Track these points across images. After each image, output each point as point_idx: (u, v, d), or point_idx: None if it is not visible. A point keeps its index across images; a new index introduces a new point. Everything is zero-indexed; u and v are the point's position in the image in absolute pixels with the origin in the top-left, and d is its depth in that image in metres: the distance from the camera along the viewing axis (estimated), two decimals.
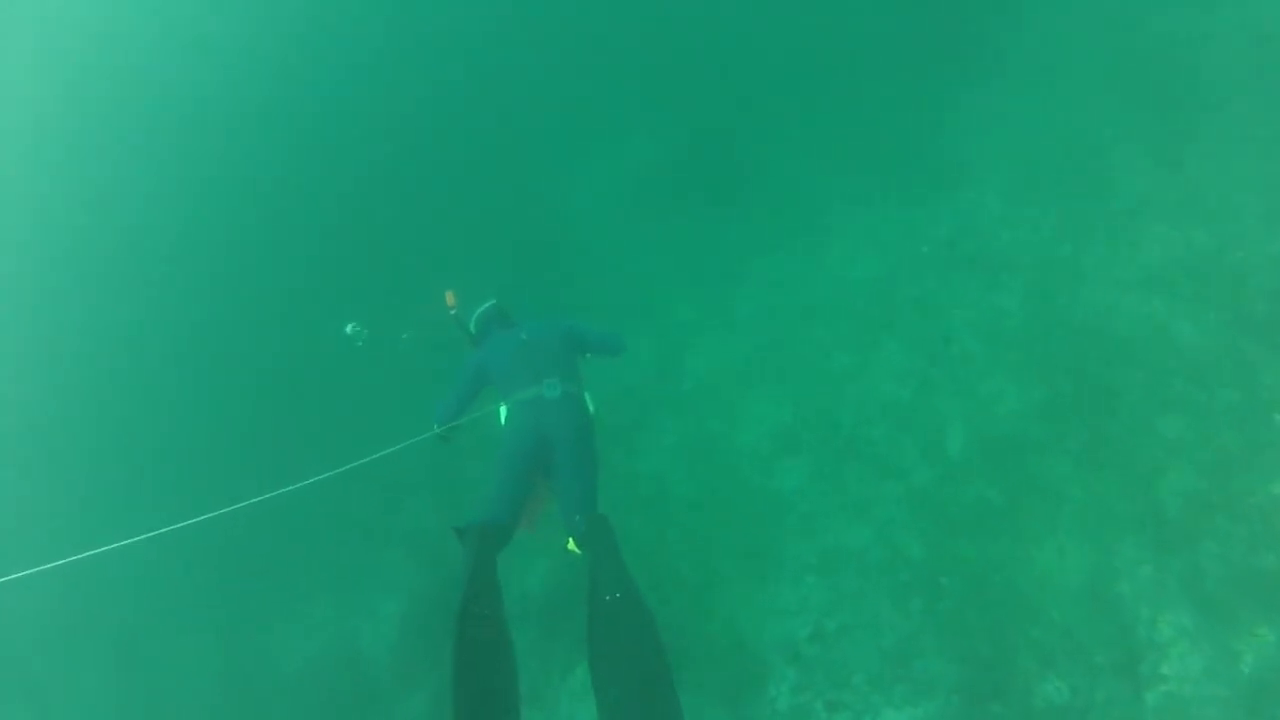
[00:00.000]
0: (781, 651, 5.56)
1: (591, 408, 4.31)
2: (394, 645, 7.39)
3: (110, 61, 13.15)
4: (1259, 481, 4.78)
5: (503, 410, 4.32)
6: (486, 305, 5.01)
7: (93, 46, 13.28)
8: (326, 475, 3.53)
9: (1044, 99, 7.89)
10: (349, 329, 4.77)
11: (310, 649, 7.55)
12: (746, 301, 7.91)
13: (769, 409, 7.01)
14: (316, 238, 9.93)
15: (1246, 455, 4.91)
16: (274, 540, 8.02)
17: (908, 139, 8.36)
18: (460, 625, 3.08)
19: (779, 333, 7.45)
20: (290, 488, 3.41)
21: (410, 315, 5.51)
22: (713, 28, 11.22)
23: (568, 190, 10.50)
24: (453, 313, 4.71)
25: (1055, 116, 7.65)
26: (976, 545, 5.46)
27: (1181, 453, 5.19)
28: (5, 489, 8.84)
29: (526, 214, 10.43)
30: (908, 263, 7.23)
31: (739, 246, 8.56)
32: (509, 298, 5.36)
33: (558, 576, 6.99)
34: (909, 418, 6.30)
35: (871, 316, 7.04)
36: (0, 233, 11.53)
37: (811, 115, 9.44)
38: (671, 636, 3.64)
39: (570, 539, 3.86)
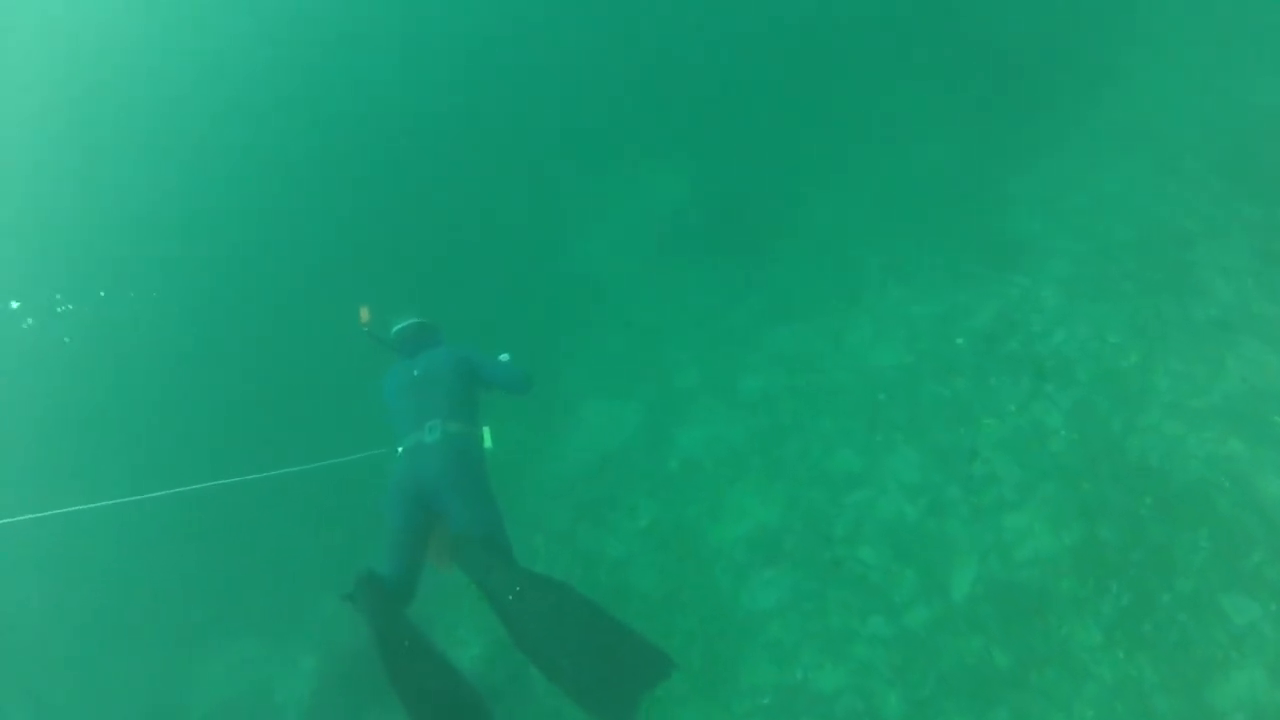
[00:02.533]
0: None
1: (488, 442, 4.21)
2: (309, 703, 6.67)
3: (115, 61, 13.28)
4: None
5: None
6: (405, 324, 4.84)
7: (97, 48, 13.43)
8: (270, 474, 3.97)
9: (1123, 175, 6.80)
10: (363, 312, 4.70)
11: (228, 690, 6.92)
12: (752, 375, 6.98)
13: (755, 506, 6.05)
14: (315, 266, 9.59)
15: None
16: (221, 559, 7.47)
17: (959, 207, 7.34)
18: (397, 688, 3.16)
19: (781, 417, 6.49)
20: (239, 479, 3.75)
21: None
22: (755, 71, 10.47)
23: (581, 229, 9.80)
24: (366, 329, 4.64)
25: (1135, 197, 6.56)
26: (969, 714, 4.40)
27: (1251, 648, 4.06)
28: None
29: (534, 249, 9.78)
30: (938, 354, 6.19)
31: (755, 311, 7.66)
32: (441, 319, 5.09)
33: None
34: (912, 543, 5.26)
35: (888, 413, 6.02)
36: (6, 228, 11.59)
37: (855, 173, 8.49)
38: None
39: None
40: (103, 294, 10.07)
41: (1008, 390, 5.68)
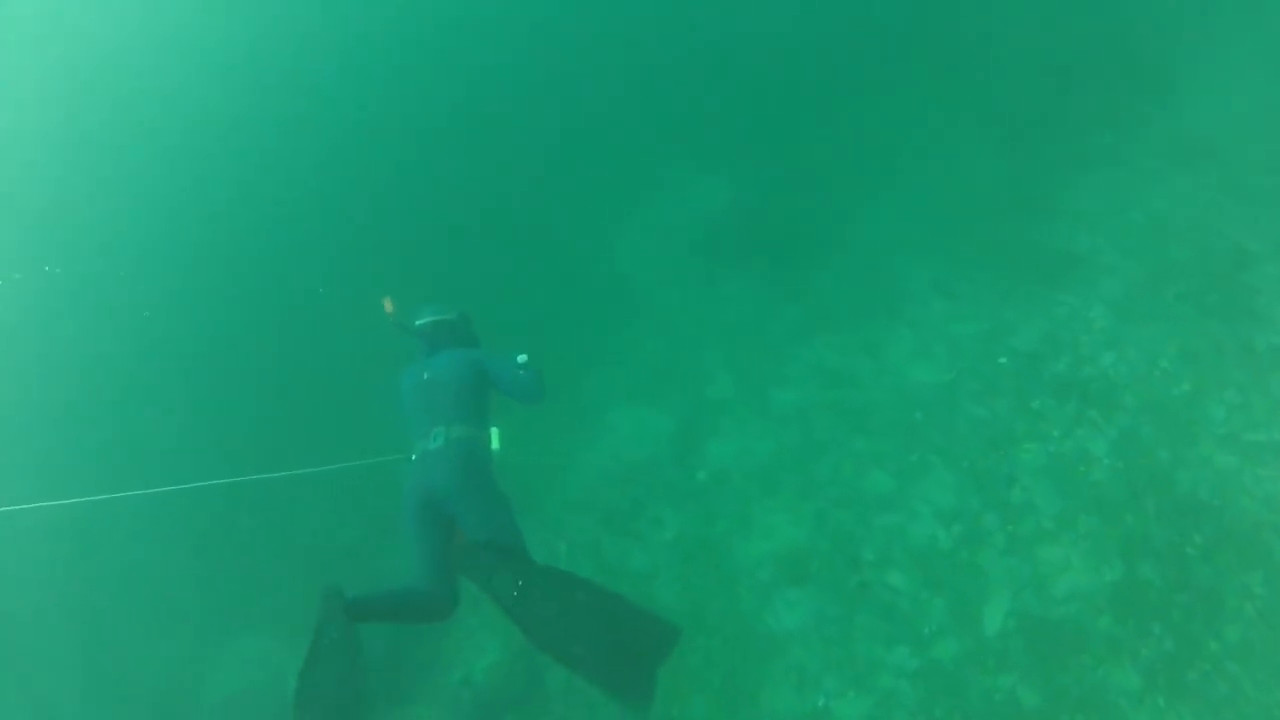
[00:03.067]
0: None
1: (495, 444, 4.22)
2: None
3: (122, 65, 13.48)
4: None
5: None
6: (426, 319, 4.82)
7: (103, 51, 13.63)
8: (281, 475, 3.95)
9: (1181, 191, 6.48)
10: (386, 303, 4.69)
11: (240, 683, 6.99)
12: (786, 387, 6.83)
13: (784, 523, 5.91)
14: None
15: None
16: (234, 554, 7.55)
17: (1008, 221, 7.07)
18: (300, 683, 3.49)
19: (814, 432, 6.33)
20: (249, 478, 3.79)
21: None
22: (802, 78, 10.22)
23: (619, 230, 9.68)
24: (391, 320, 4.66)
25: (1193, 214, 6.25)
26: None
27: None
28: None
29: (569, 248, 9.70)
30: (979, 374, 5.98)
31: (792, 321, 7.48)
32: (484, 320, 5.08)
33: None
34: (944, 571, 5.09)
35: (925, 433, 5.83)
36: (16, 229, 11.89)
37: (901, 184, 8.24)
38: None
39: None
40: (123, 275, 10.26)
41: (1051, 414, 5.46)
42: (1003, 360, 5.97)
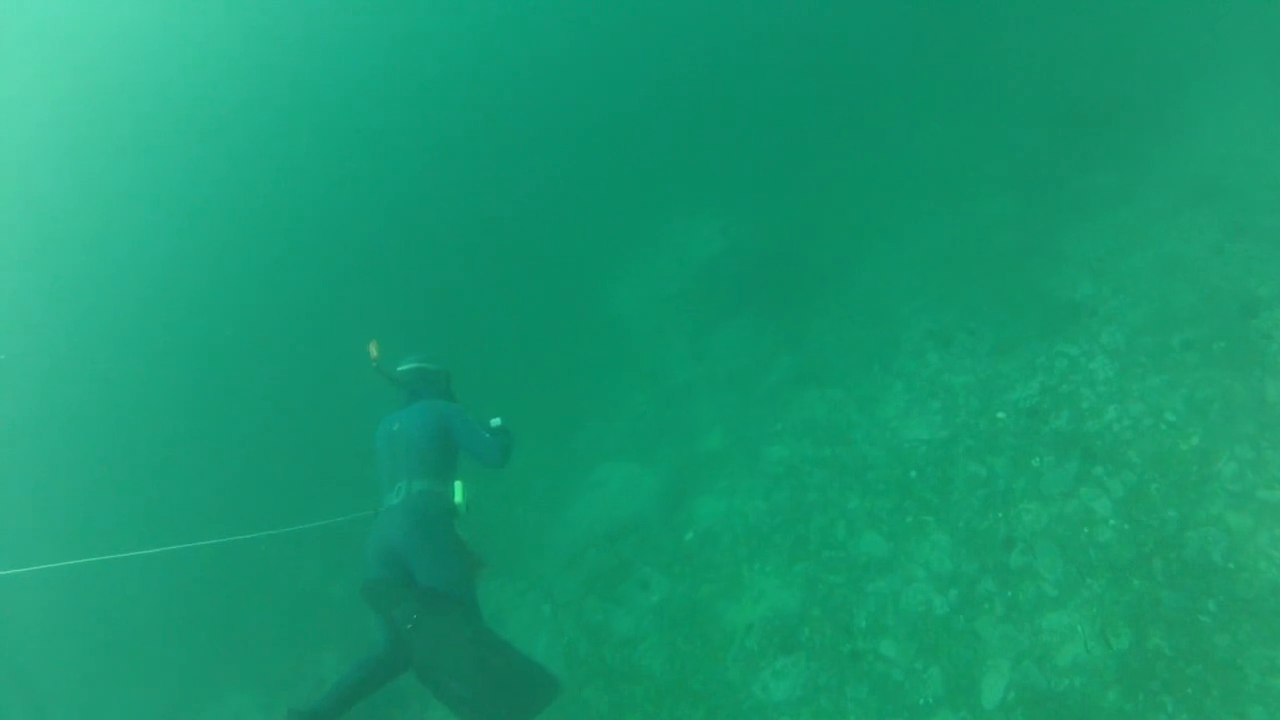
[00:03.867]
0: None
1: (459, 497, 4.14)
2: None
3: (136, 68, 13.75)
4: None
5: None
6: (406, 366, 4.72)
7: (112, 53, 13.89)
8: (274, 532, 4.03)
9: (1186, 234, 6.24)
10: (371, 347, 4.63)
11: None
12: (778, 442, 6.60)
13: (774, 587, 5.63)
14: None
15: None
16: (223, 609, 7.38)
17: (1008, 264, 6.86)
18: None
19: (806, 491, 6.07)
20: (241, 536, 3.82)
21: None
22: (798, 122, 10.20)
23: (612, 275, 9.59)
24: (375, 364, 4.58)
25: (1198, 258, 6.00)
26: None
27: None
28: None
29: (562, 294, 9.62)
30: (976, 429, 5.71)
31: (786, 372, 7.30)
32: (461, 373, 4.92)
33: None
34: (940, 640, 4.78)
35: (919, 493, 5.55)
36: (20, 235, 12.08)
37: (897, 230, 8.08)
38: None
39: None
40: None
41: (1052, 472, 5.16)
42: (1000, 415, 5.70)
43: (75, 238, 12.26)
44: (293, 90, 13.26)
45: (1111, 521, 4.76)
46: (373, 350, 4.59)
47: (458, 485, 4.23)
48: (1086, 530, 4.81)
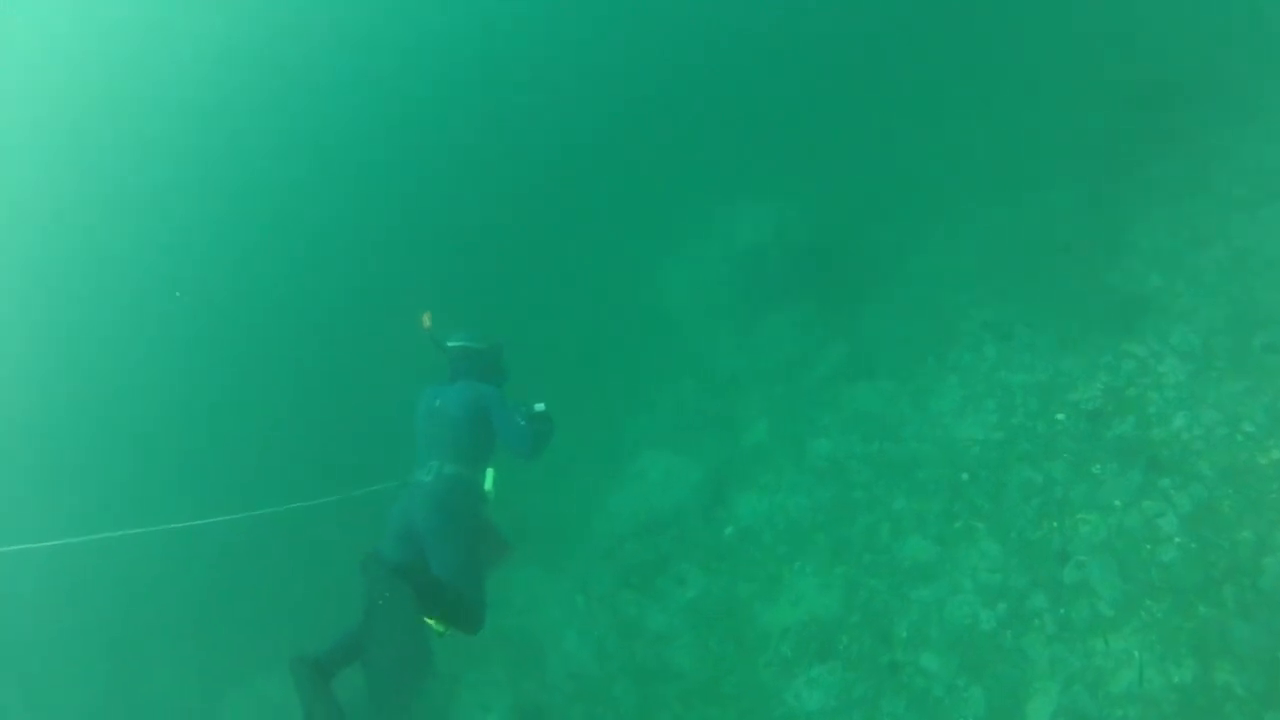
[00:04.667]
0: None
1: (489, 485, 4.16)
2: None
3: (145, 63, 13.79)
4: None
5: None
6: (455, 343, 4.63)
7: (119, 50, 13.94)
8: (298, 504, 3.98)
9: (1267, 225, 5.74)
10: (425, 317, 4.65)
11: None
12: (824, 437, 6.37)
13: (812, 591, 5.47)
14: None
15: None
16: (254, 588, 7.50)
17: (1072, 255, 6.43)
18: None
19: (851, 489, 5.86)
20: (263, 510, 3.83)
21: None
22: (853, 109, 9.76)
23: (659, 264, 9.36)
24: (428, 334, 4.60)
25: None
26: None
27: None
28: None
29: (608, 282, 9.46)
30: (1034, 432, 5.40)
31: (835, 364, 7.03)
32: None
33: None
34: (985, 657, 4.56)
35: (970, 497, 5.29)
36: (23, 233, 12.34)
37: (956, 218, 7.65)
38: None
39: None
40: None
41: (1113, 482, 4.84)
42: (1060, 417, 5.37)
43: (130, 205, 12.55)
44: (356, 65, 13.23)
45: (1177, 539, 4.45)
46: (425, 320, 4.62)
47: (489, 473, 4.22)
48: (1149, 547, 4.50)
